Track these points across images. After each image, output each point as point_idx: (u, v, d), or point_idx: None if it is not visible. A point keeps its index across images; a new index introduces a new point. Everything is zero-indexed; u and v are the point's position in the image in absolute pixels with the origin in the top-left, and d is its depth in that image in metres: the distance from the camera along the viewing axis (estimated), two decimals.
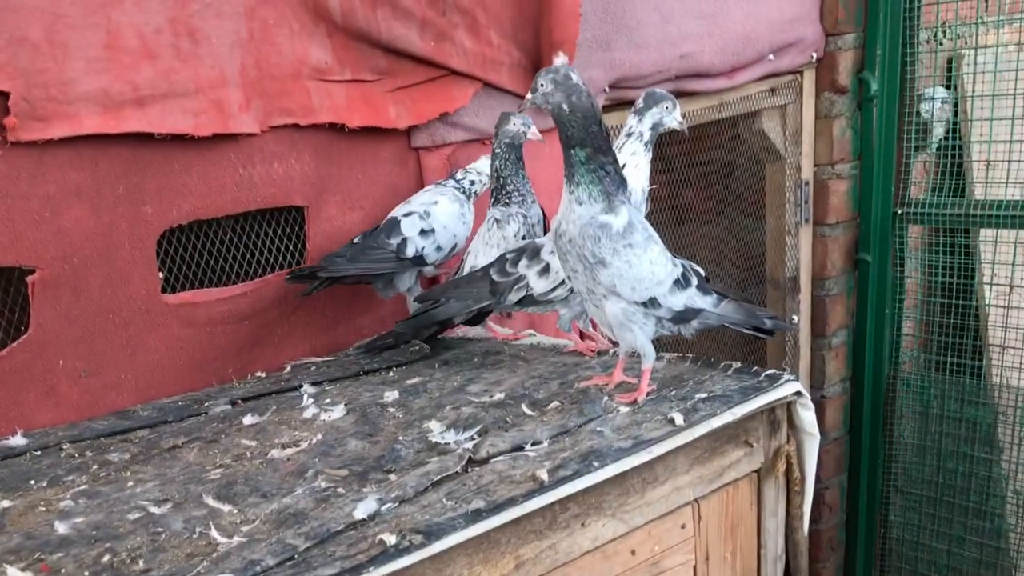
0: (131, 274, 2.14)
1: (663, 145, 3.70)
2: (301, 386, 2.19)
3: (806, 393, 1.95)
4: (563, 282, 2.14)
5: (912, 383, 3.98)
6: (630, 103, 3.14)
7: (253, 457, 1.82)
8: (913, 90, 3.84)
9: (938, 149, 4.13)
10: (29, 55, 1.91)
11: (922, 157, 4.09)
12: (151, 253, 2.17)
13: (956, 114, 4.20)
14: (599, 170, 1.81)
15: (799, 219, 3.93)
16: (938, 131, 4.14)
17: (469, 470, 1.66)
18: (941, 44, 4.17)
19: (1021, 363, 3.66)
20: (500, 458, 1.69)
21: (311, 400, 2.09)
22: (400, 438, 1.83)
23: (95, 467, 1.81)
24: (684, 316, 1.94)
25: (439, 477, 1.62)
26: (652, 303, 1.89)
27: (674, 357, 2.16)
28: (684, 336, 2.01)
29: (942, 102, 4.14)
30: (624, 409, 1.87)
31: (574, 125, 1.80)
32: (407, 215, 2.41)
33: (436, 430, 1.84)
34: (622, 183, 1.85)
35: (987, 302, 3.87)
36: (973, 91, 3.93)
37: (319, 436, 1.88)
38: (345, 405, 2.04)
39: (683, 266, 1.95)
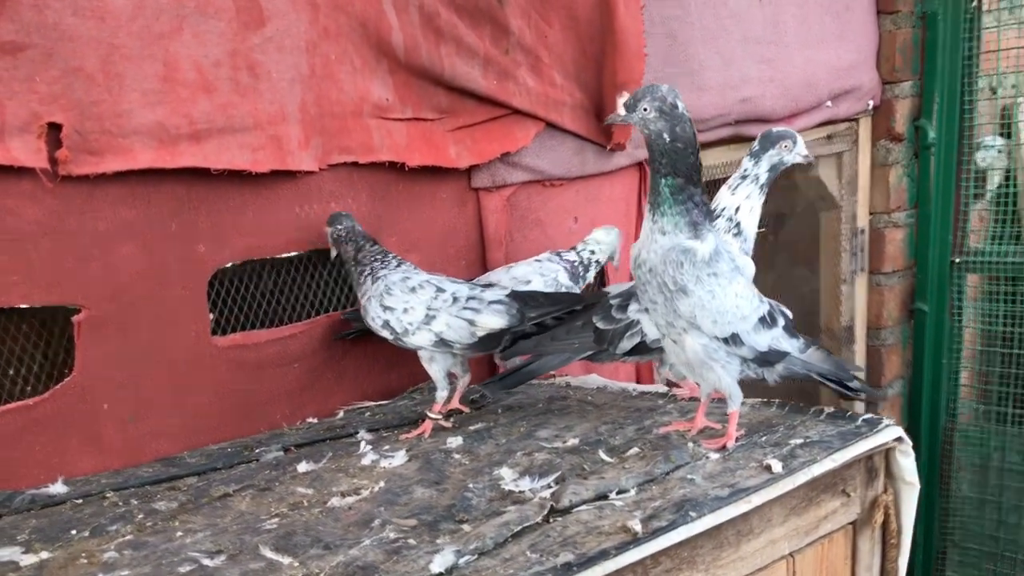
0: (181, 315, 1.97)
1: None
2: (357, 432, 2.01)
3: (907, 439, 1.76)
4: None
5: (971, 435, 3.72)
6: None
7: (311, 506, 1.64)
8: (971, 138, 3.63)
9: (996, 197, 3.90)
10: (84, 86, 1.76)
11: (980, 206, 3.86)
12: (202, 293, 2.00)
13: (1012, 162, 3.98)
14: (687, 201, 1.63)
15: (854, 268, 3.70)
16: (995, 179, 3.92)
17: (551, 520, 1.47)
18: (995, 93, 3.97)
19: None
20: (583, 507, 1.51)
21: (369, 447, 1.91)
22: (470, 485, 1.64)
23: (140, 516, 1.63)
24: (768, 358, 1.74)
25: (519, 528, 1.43)
26: (734, 340, 1.69)
27: (758, 402, 1.97)
28: (767, 382, 1.80)
29: (998, 151, 3.92)
30: (714, 456, 1.69)
31: (672, 155, 1.62)
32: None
33: (508, 477, 1.66)
34: (708, 214, 1.67)
35: None
36: None
37: (381, 484, 1.70)
38: (407, 451, 1.86)
39: (770, 304, 1.76)
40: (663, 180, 1.62)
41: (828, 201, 3.65)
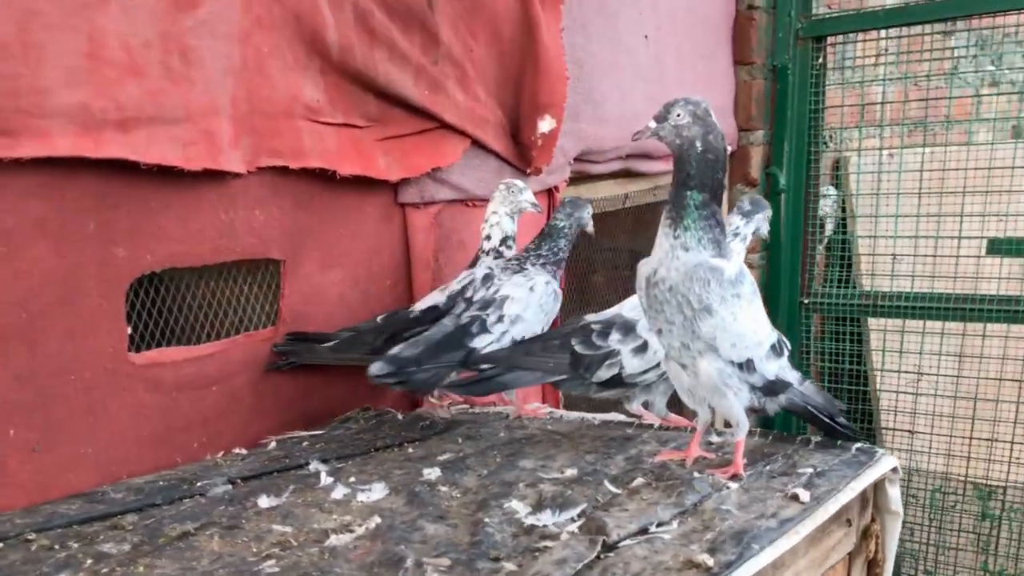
0: (96, 327, 1.66)
1: (625, 225, 3.47)
2: (308, 463, 1.75)
3: (899, 469, 1.71)
4: (657, 364, 1.83)
5: None
6: (590, 177, 2.91)
7: (303, 544, 1.39)
8: (817, 186, 3.77)
9: (829, 244, 4.07)
10: None
11: (819, 250, 4.02)
12: (120, 303, 1.69)
13: (844, 211, 4.17)
14: (711, 218, 1.53)
15: None
16: (828, 226, 4.10)
17: (603, 556, 1.31)
18: (827, 147, 4.16)
19: (930, 447, 3.55)
20: (628, 541, 1.36)
21: (331, 479, 1.66)
22: (485, 520, 1.44)
23: (89, 562, 1.32)
24: (775, 387, 1.65)
25: (580, 565, 1.26)
26: (748, 366, 1.59)
27: None
28: (768, 413, 1.71)
29: (833, 200, 4.11)
30: (733, 486, 1.57)
31: (703, 166, 1.52)
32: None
33: (522, 511, 1.48)
34: (724, 232, 1.58)
35: (887, 388, 3.76)
36: (877, 189, 3.90)
37: (376, 520, 1.47)
38: (383, 484, 1.62)
39: (778, 334, 1.68)
40: (690, 192, 1.52)
41: None
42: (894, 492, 1.72)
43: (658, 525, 1.41)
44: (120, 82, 1.61)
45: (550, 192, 2.65)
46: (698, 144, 1.52)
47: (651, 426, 1.95)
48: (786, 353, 1.67)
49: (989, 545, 3.49)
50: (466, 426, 2.00)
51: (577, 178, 2.84)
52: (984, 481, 3.48)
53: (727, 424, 1.71)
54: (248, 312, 2.02)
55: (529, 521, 1.44)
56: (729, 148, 3.67)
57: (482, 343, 1.91)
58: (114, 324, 1.68)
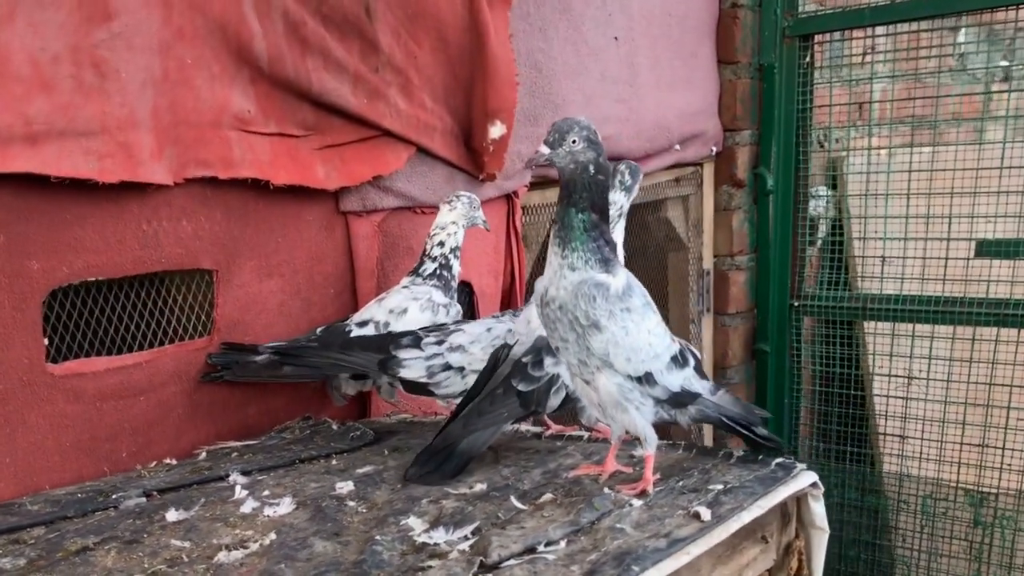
0: (11, 339, 1.65)
1: None
2: (228, 475, 1.73)
3: (820, 484, 1.65)
4: None
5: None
6: (553, 182, 2.86)
7: (193, 561, 1.37)
8: (806, 187, 3.69)
9: (825, 245, 3.98)
10: None
11: (811, 252, 3.93)
12: (36, 315, 1.69)
13: (839, 212, 4.09)
14: (600, 238, 1.51)
15: (701, 308, 3.68)
16: (822, 228, 4.01)
17: None
18: (822, 146, 4.08)
19: (921, 452, 3.46)
20: (512, 562, 1.32)
21: (245, 492, 1.64)
22: (377, 538, 1.41)
23: None
24: (681, 399, 1.61)
25: None
26: (648, 379, 1.55)
27: (663, 444, 1.81)
28: (681, 425, 1.67)
29: (827, 201, 4.02)
30: (637, 503, 1.53)
31: (594, 188, 1.50)
32: (362, 324, 2.03)
33: (418, 528, 1.45)
34: (615, 252, 1.55)
35: (881, 392, 3.67)
36: (867, 190, 3.82)
37: (272, 535, 1.44)
38: (293, 498, 1.60)
39: (681, 344, 1.63)
40: (578, 215, 1.49)
41: (676, 242, 3.62)
42: (818, 508, 1.66)
43: (546, 545, 1.36)
44: (27, 97, 1.60)
45: (508, 198, 2.62)
46: (591, 168, 1.50)
47: (580, 438, 1.90)
48: (692, 363, 1.63)
49: (982, 553, 3.39)
50: (398, 437, 1.97)
51: (541, 182, 2.80)
52: (975, 488, 3.38)
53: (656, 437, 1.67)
54: (180, 322, 2.01)
55: (421, 539, 1.40)
56: (715, 149, 3.61)
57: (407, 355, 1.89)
58: (29, 336, 1.68)
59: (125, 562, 1.37)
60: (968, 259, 3.36)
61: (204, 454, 1.91)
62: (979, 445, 3.31)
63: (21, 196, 1.64)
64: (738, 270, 3.72)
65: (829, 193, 4.06)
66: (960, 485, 3.40)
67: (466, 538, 1.40)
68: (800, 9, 3.61)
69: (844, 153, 4.07)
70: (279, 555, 1.36)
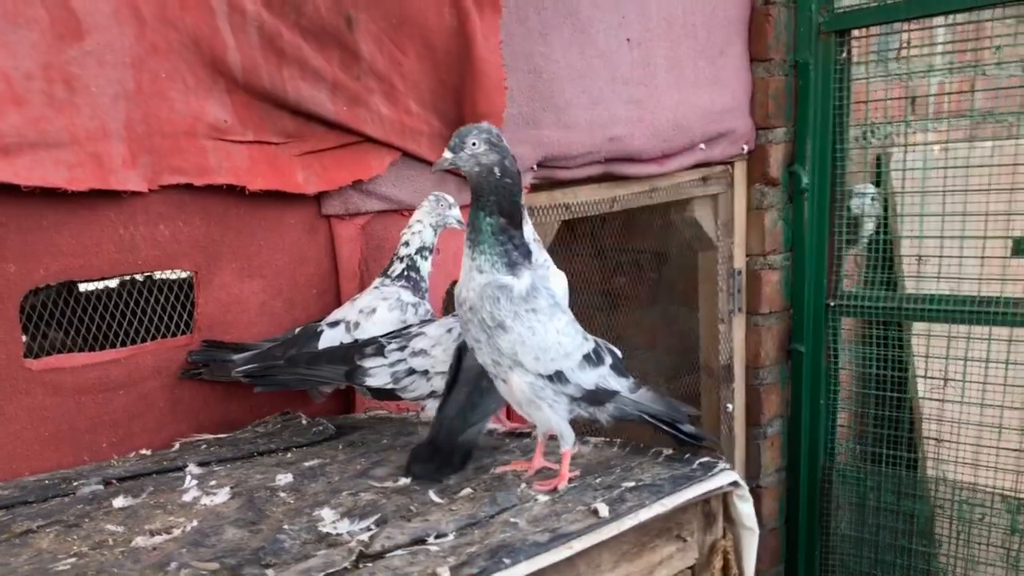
0: None
1: (595, 231, 3.42)
2: (185, 466, 1.81)
3: (743, 483, 1.64)
4: None
5: (848, 474, 3.62)
6: (559, 183, 2.88)
7: (115, 545, 1.45)
8: (843, 185, 3.59)
9: (869, 244, 3.86)
10: None
11: (853, 251, 3.82)
12: (13, 314, 1.81)
13: (886, 209, 3.96)
14: (508, 242, 1.55)
15: (732, 308, 3.62)
16: (868, 226, 3.89)
17: (360, 566, 1.31)
18: (869, 143, 3.96)
19: (957, 456, 3.33)
20: (397, 552, 1.36)
21: (194, 482, 1.73)
22: (286, 527, 1.47)
23: None
24: (597, 397, 1.62)
25: (323, 574, 1.27)
26: (559, 378, 1.57)
27: (601, 442, 1.83)
28: (602, 423, 1.68)
29: (871, 198, 3.90)
30: (543, 498, 1.55)
31: (501, 191, 1.54)
32: (333, 324, 2.09)
33: (328, 519, 1.50)
34: (528, 255, 1.58)
35: (920, 395, 3.55)
36: (903, 187, 3.70)
37: (195, 523, 1.52)
38: (231, 488, 1.68)
39: (596, 343, 1.64)
40: (487, 219, 1.53)
41: (704, 241, 3.57)
42: (744, 508, 1.66)
43: (436, 537, 1.39)
44: (0, 112, 1.72)
45: None
46: (496, 170, 1.53)
47: (528, 434, 1.92)
48: (608, 361, 1.63)
49: (1019, 561, 3.23)
50: (359, 432, 2.02)
51: (544, 184, 2.82)
52: (1012, 493, 3.23)
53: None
54: (162, 321, 2.11)
55: (326, 529, 1.45)
56: (746, 147, 3.55)
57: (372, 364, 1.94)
58: (7, 333, 1.80)
59: (58, 544, 1.46)
60: (1006, 257, 3.23)
61: (177, 445, 2.00)
62: (1016, 450, 3.17)
63: None
64: (771, 269, 3.64)
65: (873, 191, 3.94)
66: (997, 491, 3.25)
67: (368, 529, 1.44)
68: (836, 4, 3.53)
69: (892, 149, 3.96)
70: (190, 540, 1.43)
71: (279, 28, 2.08)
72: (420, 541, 1.38)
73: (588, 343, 1.62)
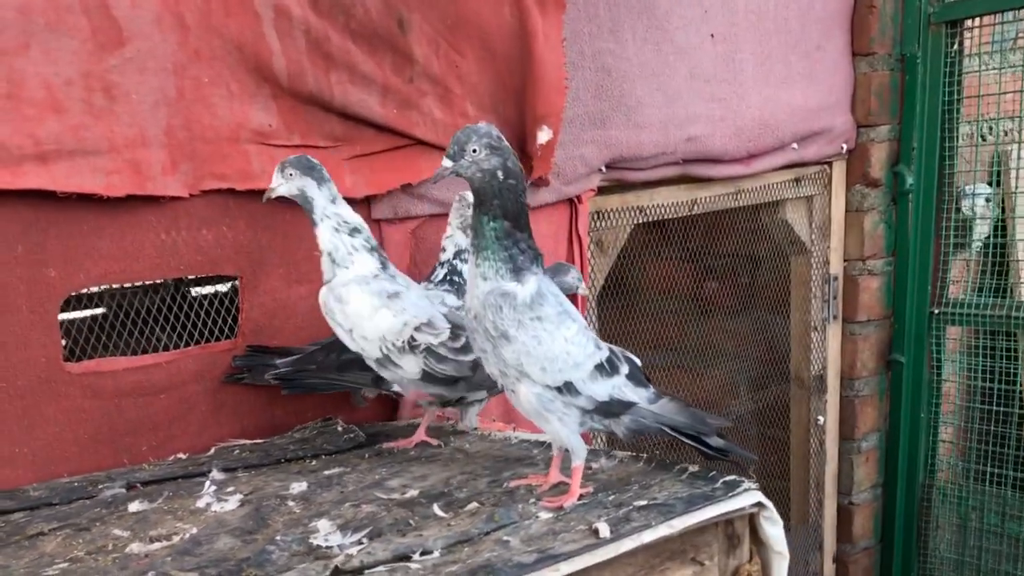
0: (29, 339, 1.78)
1: (686, 232, 3.26)
2: (210, 471, 1.78)
3: (769, 504, 1.50)
4: None
5: (949, 493, 3.35)
6: (630, 185, 2.74)
7: (113, 551, 1.43)
8: (952, 185, 3.32)
9: (982, 248, 3.56)
10: None
11: (963, 255, 3.52)
12: (53, 318, 1.81)
13: (1002, 211, 3.64)
14: (513, 247, 1.45)
15: (826, 315, 3.39)
16: (981, 229, 3.58)
17: None
18: (984, 139, 3.64)
19: None
20: (376, 569, 1.28)
21: (213, 488, 1.69)
22: (278, 538, 1.42)
23: None
24: (611, 409, 1.51)
25: None
26: (568, 389, 1.47)
27: (627, 456, 1.71)
28: (618, 436, 1.56)
29: (985, 199, 3.59)
30: (544, 516, 1.44)
31: (504, 195, 1.44)
32: None
33: (323, 530, 1.44)
34: (536, 259, 1.47)
35: None
36: (1017, 187, 3.38)
37: (194, 530, 1.48)
38: (243, 496, 1.64)
39: (611, 351, 1.52)
40: (490, 223, 1.44)
41: (797, 245, 3.35)
42: (773, 530, 1.51)
43: (422, 554, 1.31)
44: (39, 119, 1.73)
45: (571, 202, 2.52)
46: (499, 174, 1.43)
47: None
48: (624, 370, 1.51)
49: None
50: (386, 441, 1.95)
51: (615, 186, 2.68)
52: None
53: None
54: (206, 325, 2.09)
55: (317, 542, 1.39)
56: (845, 146, 3.32)
57: None
58: (47, 337, 1.81)
59: (62, 548, 1.45)
60: None
61: (213, 450, 1.97)
62: None
63: (38, 210, 1.76)
64: (870, 275, 3.40)
65: (989, 191, 3.62)
66: None
67: (359, 543, 1.37)
68: None
69: (1010, 146, 3.63)
70: (182, 548, 1.40)
71: (327, 32, 2.02)
72: (403, 558, 1.30)
73: (601, 352, 1.51)
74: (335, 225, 1.80)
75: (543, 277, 1.48)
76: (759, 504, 1.48)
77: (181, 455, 1.96)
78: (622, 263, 2.92)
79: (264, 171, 1.98)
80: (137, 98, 1.83)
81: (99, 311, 2.38)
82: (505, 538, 1.36)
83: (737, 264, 3.60)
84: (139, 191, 1.83)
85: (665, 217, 2.87)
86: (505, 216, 1.43)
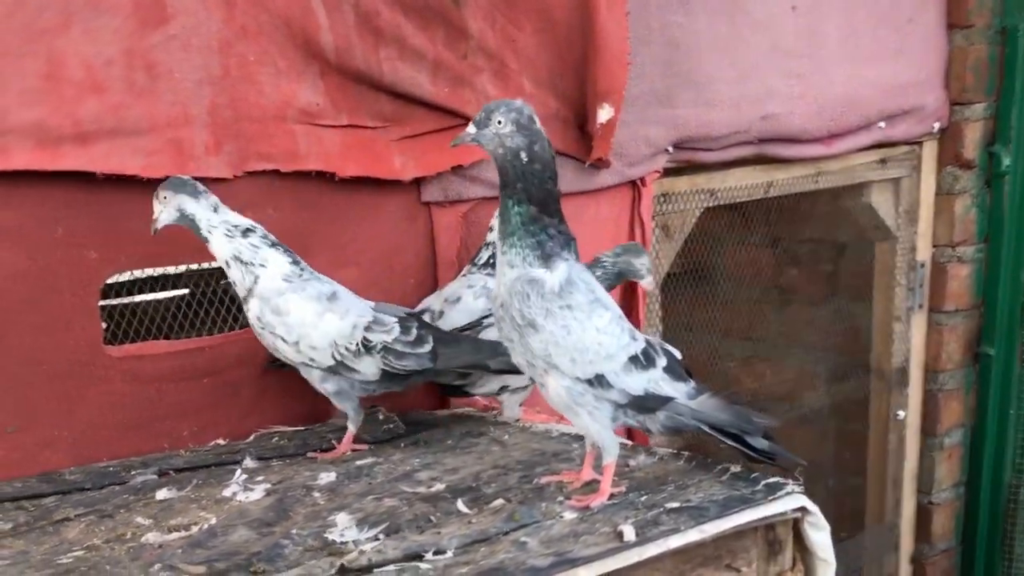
0: (69, 322, 1.75)
1: (766, 217, 3.11)
2: (243, 459, 1.74)
3: (814, 509, 1.39)
4: None
5: None
6: (700, 166, 2.60)
7: (130, 540, 1.40)
8: None
9: None
10: None
11: None
12: (93, 301, 1.78)
13: None
14: (541, 233, 1.35)
15: (911, 304, 3.19)
16: None
17: None
18: None
19: None
20: (385, 568, 1.22)
21: (244, 476, 1.65)
22: (294, 531, 1.37)
23: None
24: (646, 403, 1.41)
25: None
26: (600, 382, 1.37)
27: (668, 453, 1.61)
28: (654, 433, 1.47)
29: None
30: (569, 516, 1.36)
31: (529, 179, 1.35)
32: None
33: (341, 525, 1.38)
34: (567, 244, 1.38)
35: None
36: None
37: (213, 520, 1.44)
38: (271, 485, 1.60)
39: (648, 342, 1.43)
40: (515, 208, 1.35)
41: (882, 231, 3.16)
42: (818, 537, 1.41)
43: (435, 553, 1.24)
44: (79, 99, 1.68)
45: (633, 184, 2.40)
46: (523, 155, 1.34)
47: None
48: (661, 363, 1.41)
49: None
50: (431, 431, 1.89)
51: (683, 167, 2.54)
52: None
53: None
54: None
55: (333, 536, 1.34)
56: (937, 125, 3.11)
57: None
58: (87, 320, 1.77)
59: (83, 535, 1.43)
60: None
61: (252, 437, 1.93)
62: None
63: (77, 192, 1.71)
64: (960, 262, 3.19)
65: None
66: None
67: (375, 539, 1.32)
68: None
69: None
70: (194, 540, 1.36)
71: (378, 6, 1.93)
72: (415, 557, 1.24)
73: (636, 343, 1.41)
74: (226, 232, 1.69)
75: (575, 264, 1.39)
76: (802, 508, 1.38)
77: (221, 441, 1.92)
78: (694, 248, 2.79)
79: (311, 152, 1.92)
80: (180, 76, 1.77)
81: (183, 292, 2.35)
82: (523, 539, 1.29)
83: (819, 250, 3.42)
84: (180, 172, 1.77)
85: (738, 200, 2.72)
86: (530, 200, 1.35)
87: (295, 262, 1.73)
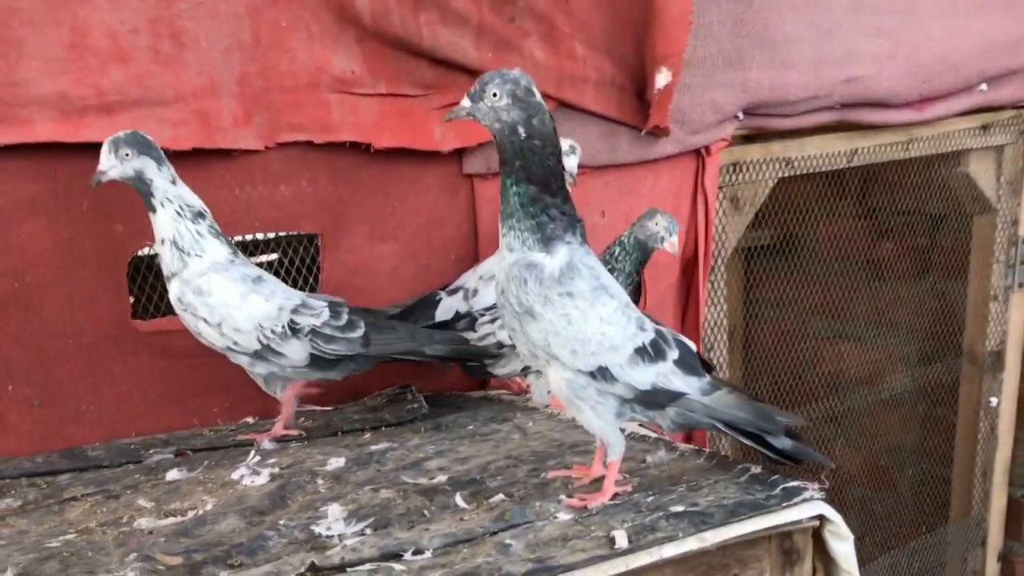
0: (96, 296, 1.73)
1: (859, 187, 2.90)
2: (261, 442, 1.71)
3: (835, 517, 1.27)
4: None
5: None
6: (774, 134, 2.42)
7: (124, 524, 1.38)
8: None
9: None
10: None
11: None
12: (121, 275, 1.76)
13: None
14: (542, 214, 1.26)
15: (1010, 283, 2.94)
16: None
17: None
18: None
19: None
20: (357, 568, 1.16)
21: (256, 458, 1.62)
22: (282, 522, 1.32)
23: None
24: (654, 399, 1.30)
25: None
26: (603, 375, 1.27)
27: (689, 450, 1.50)
28: (665, 429, 1.36)
29: None
30: (563, 517, 1.28)
31: (528, 156, 1.24)
32: (452, 292, 1.91)
33: (331, 516, 1.33)
34: (572, 227, 1.28)
35: None
36: None
37: (208, 506, 1.41)
38: (278, 470, 1.55)
39: (658, 333, 1.31)
40: (513, 187, 1.25)
41: (981, 203, 2.91)
42: (840, 547, 1.29)
43: (414, 553, 1.17)
44: (103, 69, 1.64)
45: (697, 153, 2.25)
46: (521, 130, 1.23)
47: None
48: (672, 356, 1.30)
49: None
50: (456, 414, 1.82)
51: (756, 135, 2.37)
52: None
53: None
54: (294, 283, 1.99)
55: (319, 529, 1.29)
56: None
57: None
58: (115, 293, 1.75)
59: (83, 516, 1.41)
60: None
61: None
62: None
63: None
64: None
65: None
66: None
67: (361, 533, 1.26)
68: None
69: None
70: (182, 528, 1.33)
71: None
72: (391, 556, 1.17)
73: (645, 333, 1.30)
74: (177, 209, 1.60)
75: (579, 248, 1.28)
76: (820, 516, 1.26)
77: (250, 419, 1.89)
78: (774, 220, 2.62)
79: (345, 122, 1.85)
80: (207, 44, 1.71)
81: (273, 256, 2.33)
82: (509, 541, 1.21)
83: (915, 223, 3.18)
84: (207, 144, 1.73)
85: (817, 170, 2.53)
86: (530, 180, 1.24)
87: (234, 253, 1.67)
